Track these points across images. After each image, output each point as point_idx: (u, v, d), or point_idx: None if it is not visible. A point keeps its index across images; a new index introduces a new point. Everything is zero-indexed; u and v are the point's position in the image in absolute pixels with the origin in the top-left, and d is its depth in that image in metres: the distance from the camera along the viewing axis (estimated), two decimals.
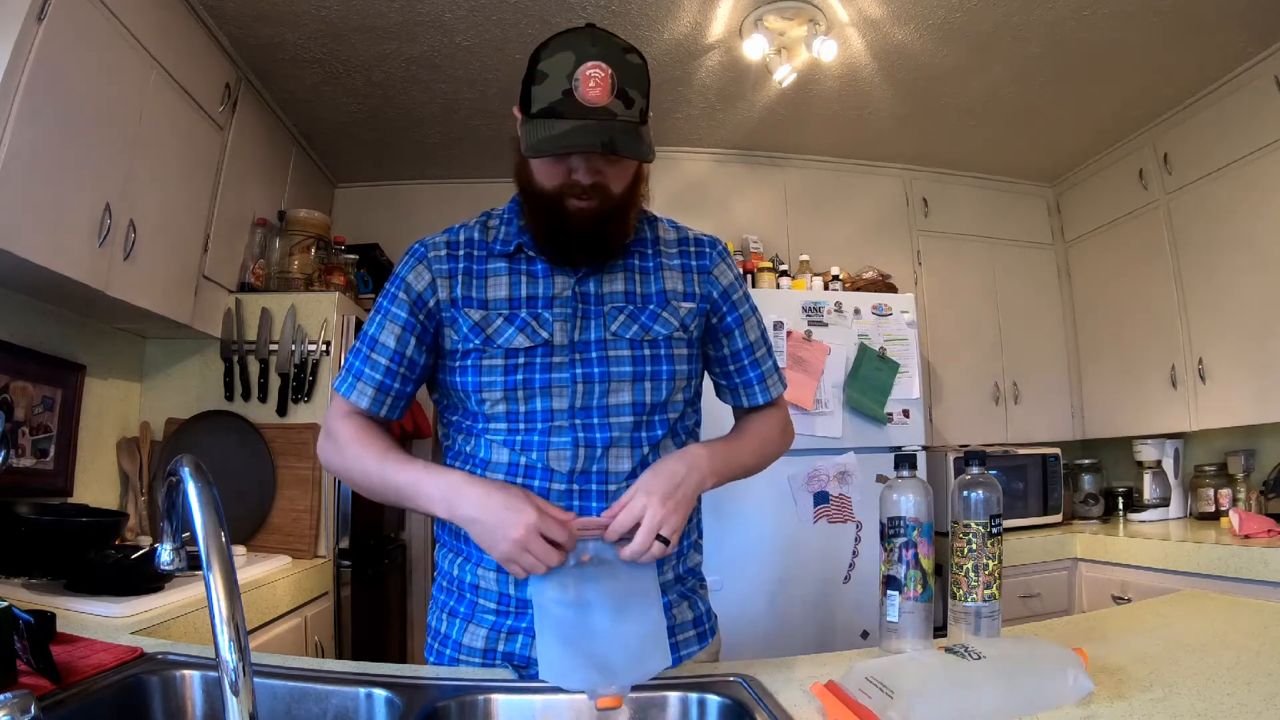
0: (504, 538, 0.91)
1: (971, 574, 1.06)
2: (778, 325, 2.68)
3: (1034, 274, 3.63)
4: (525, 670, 1.03)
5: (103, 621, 1.34)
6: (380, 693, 0.95)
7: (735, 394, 1.21)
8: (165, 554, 0.87)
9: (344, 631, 2.40)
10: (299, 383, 2.43)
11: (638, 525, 0.94)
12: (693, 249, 1.14)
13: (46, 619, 1.07)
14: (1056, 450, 3.21)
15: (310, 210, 2.81)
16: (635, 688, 0.94)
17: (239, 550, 2.18)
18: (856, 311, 2.79)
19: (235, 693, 0.64)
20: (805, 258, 3.15)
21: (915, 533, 1.06)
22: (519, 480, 1.03)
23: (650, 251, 1.12)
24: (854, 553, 2.63)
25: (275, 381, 2.43)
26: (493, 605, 1.06)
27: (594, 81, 0.91)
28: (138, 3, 1.87)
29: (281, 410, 2.42)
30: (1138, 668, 0.98)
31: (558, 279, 1.06)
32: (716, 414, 1.29)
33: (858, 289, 2.98)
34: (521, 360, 1.03)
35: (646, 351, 1.06)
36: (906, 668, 0.88)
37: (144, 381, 2.43)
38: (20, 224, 1.51)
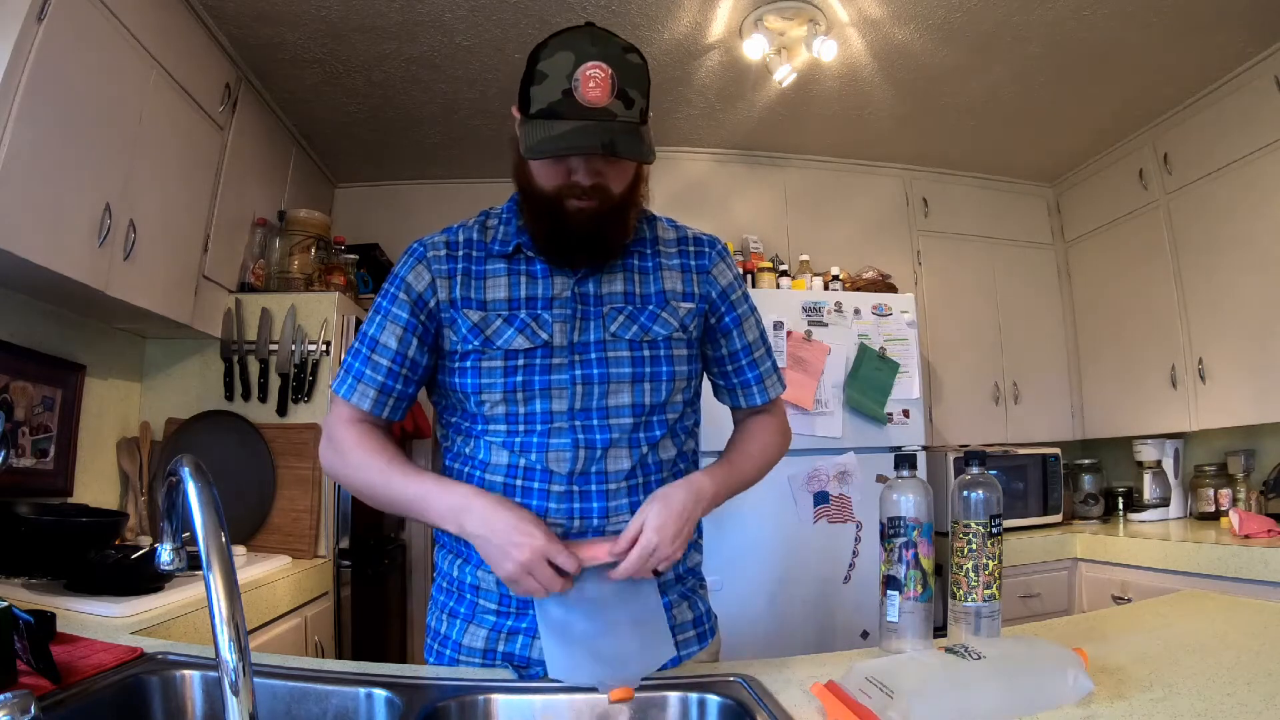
0: (509, 558, 0.92)
1: (971, 574, 1.06)
2: (778, 325, 2.68)
3: (1034, 274, 3.63)
4: (525, 670, 1.03)
5: (103, 621, 1.34)
6: (380, 693, 0.95)
7: (733, 394, 1.21)
8: (165, 554, 0.87)
9: (344, 631, 2.40)
10: (299, 383, 2.43)
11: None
12: (692, 248, 1.14)
13: (46, 619, 1.07)
14: (1056, 450, 3.21)
15: (310, 210, 2.81)
16: (637, 687, 0.95)
17: (239, 550, 2.18)
18: (856, 311, 2.79)
19: (235, 693, 0.64)
20: (805, 258, 3.15)
21: (915, 533, 1.06)
22: (518, 482, 1.03)
23: (649, 251, 1.11)
24: (854, 553, 2.63)
25: (275, 381, 2.43)
26: (493, 606, 1.06)
27: (594, 82, 0.91)
28: (138, 3, 1.87)
29: (281, 410, 2.42)
30: (1138, 668, 0.98)
31: (557, 279, 1.05)
32: (716, 414, 1.29)
33: (858, 289, 2.98)
34: (521, 362, 1.02)
35: (646, 352, 1.06)
36: (906, 668, 0.88)
37: (144, 381, 2.43)
38: (20, 224, 1.51)
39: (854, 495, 2.65)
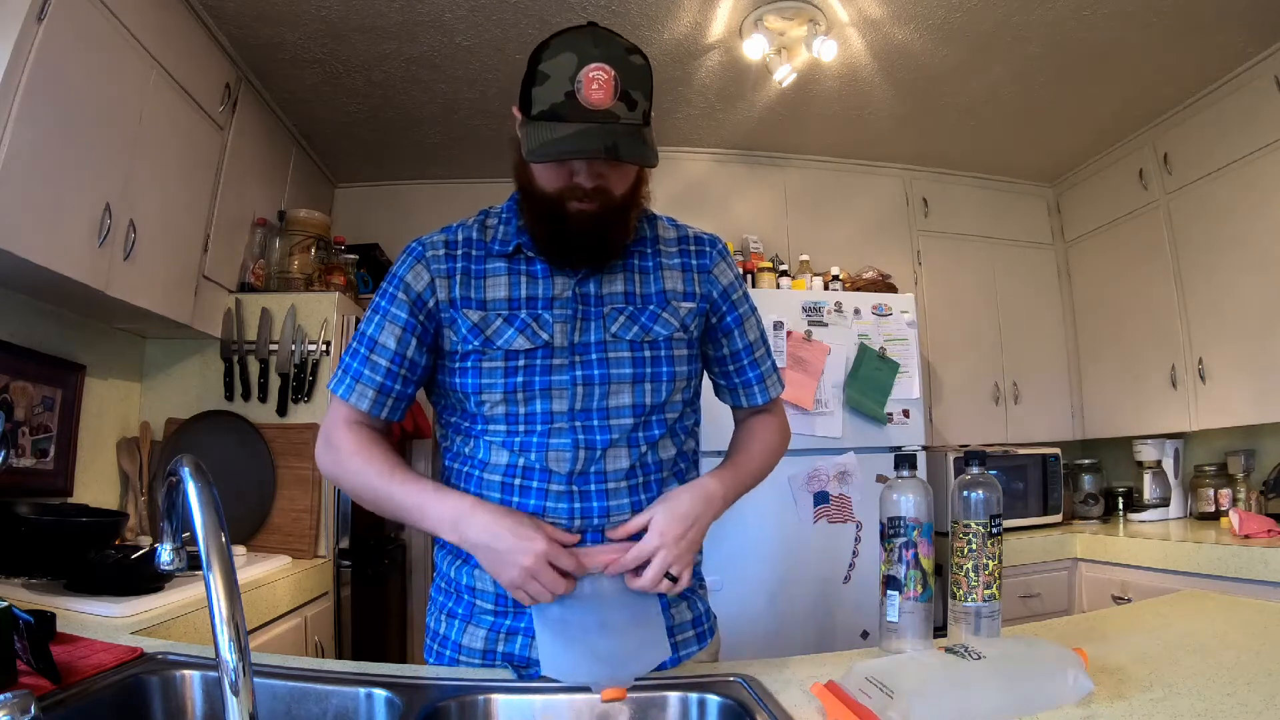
0: (512, 564, 0.92)
1: (971, 574, 1.06)
2: (778, 325, 2.68)
3: (1034, 274, 3.63)
4: (525, 670, 1.03)
5: (103, 621, 1.34)
6: (380, 693, 0.95)
7: (734, 394, 1.21)
8: (165, 554, 0.87)
9: (344, 631, 2.40)
10: (299, 383, 2.43)
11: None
12: (693, 248, 1.14)
13: (46, 619, 1.07)
14: (1056, 450, 3.21)
15: (310, 210, 2.81)
16: (635, 687, 0.95)
17: (239, 550, 2.18)
18: (856, 311, 2.79)
19: (235, 693, 0.64)
20: (805, 258, 3.15)
21: (915, 533, 1.06)
22: (518, 481, 1.03)
23: (650, 251, 1.11)
24: (854, 553, 2.63)
25: (275, 381, 2.43)
26: (490, 606, 1.06)
27: (597, 84, 0.90)
28: (138, 3, 1.87)
29: (281, 410, 2.42)
30: (1138, 668, 0.98)
31: (557, 280, 1.05)
32: (716, 414, 1.29)
33: (858, 289, 2.98)
34: (521, 362, 1.02)
35: (647, 353, 1.05)
36: (906, 668, 0.88)
37: (144, 381, 2.43)
38: (20, 224, 1.51)
39: (854, 495, 2.65)
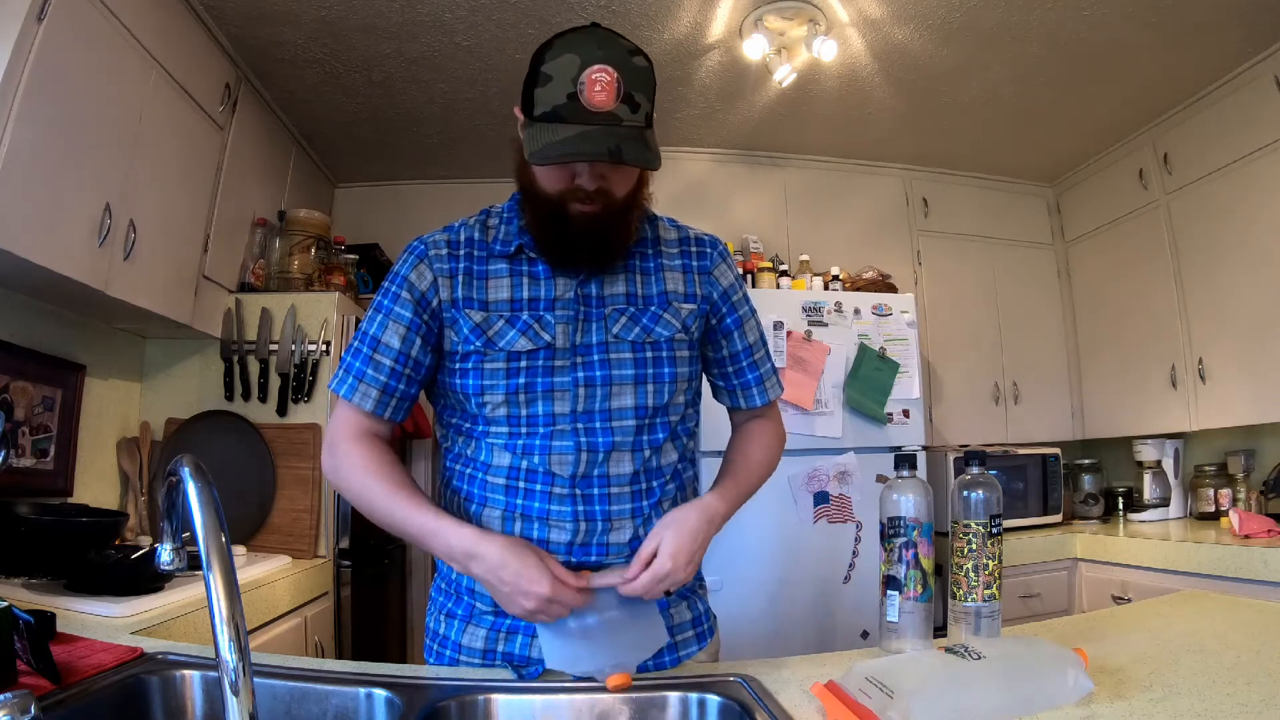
0: (516, 605, 0.93)
1: (971, 574, 1.06)
2: (778, 325, 2.68)
3: (1034, 274, 3.62)
4: (525, 670, 1.03)
5: (103, 621, 1.34)
6: (380, 693, 0.95)
7: (733, 395, 1.20)
8: (165, 554, 0.87)
9: (344, 631, 2.40)
10: (299, 383, 2.43)
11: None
12: (693, 249, 1.14)
13: (46, 619, 1.07)
14: (1056, 450, 3.21)
15: (310, 210, 2.81)
16: (635, 687, 0.95)
17: (239, 550, 2.18)
18: (856, 311, 2.79)
19: (235, 693, 0.64)
20: (805, 258, 3.15)
21: (915, 533, 1.06)
22: (520, 484, 1.02)
23: (651, 252, 1.11)
24: (854, 553, 2.63)
25: (275, 381, 2.43)
26: (489, 607, 1.06)
27: (600, 86, 0.89)
28: (138, 3, 1.87)
29: (281, 410, 2.42)
30: (1138, 668, 0.98)
31: (559, 281, 1.05)
32: (716, 414, 1.29)
33: (858, 289, 2.98)
34: (523, 363, 1.02)
35: (649, 354, 1.05)
36: (906, 668, 0.88)
37: (144, 381, 2.43)
38: (20, 224, 1.51)
39: (854, 495, 2.65)
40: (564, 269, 1.04)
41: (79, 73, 1.67)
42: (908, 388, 2.79)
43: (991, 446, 3.26)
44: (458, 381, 1.04)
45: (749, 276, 3.02)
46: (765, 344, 1.21)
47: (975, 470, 1.09)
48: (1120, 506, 3.26)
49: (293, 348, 2.44)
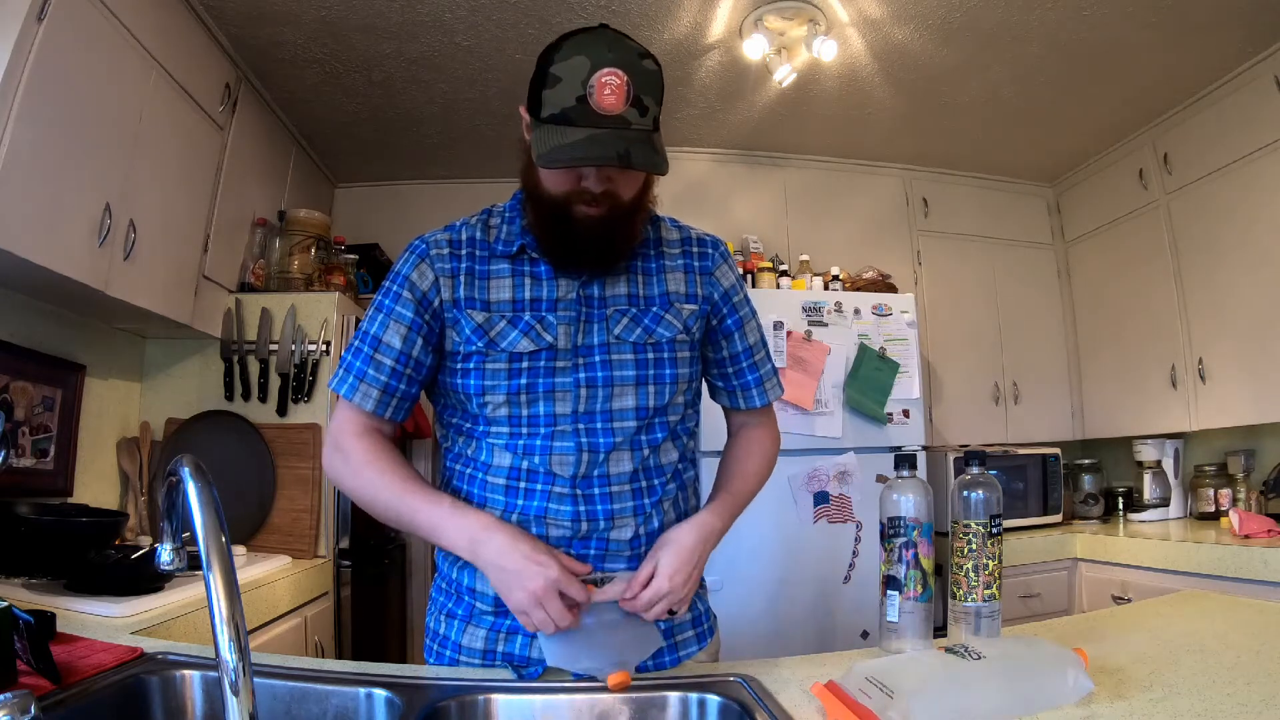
0: (521, 587, 0.92)
1: (971, 574, 1.06)
2: (778, 325, 2.68)
3: (1034, 274, 3.62)
4: (524, 670, 1.03)
5: (103, 621, 1.34)
6: (380, 693, 0.95)
7: (732, 396, 1.20)
8: (165, 554, 0.87)
9: (344, 631, 2.40)
10: (299, 383, 2.43)
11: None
12: (695, 249, 1.14)
13: (46, 619, 1.07)
14: (1056, 450, 3.21)
15: (310, 210, 2.81)
16: (636, 687, 0.95)
17: (239, 550, 2.18)
18: (856, 311, 2.79)
19: (235, 693, 0.64)
20: (805, 258, 3.15)
21: (915, 533, 1.06)
22: (521, 484, 1.02)
23: (653, 253, 1.11)
24: (854, 553, 2.63)
25: (275, 381, 2.43)
26: (489, 607, 1.05)
27: (609, 89, 0.89)
28: (138, 3, 1.87)
29: (281, 410, 2.42)
30: (1138, 668, 0.98)
31: (561, 281, 1.05)
32: (717, 414, 1.29)
33: (858, 289, 2.98)
34: (525, 364, 1.02)
35: (650, 355, 1.05)
36: (906, 668, 0.88)
37: (144, 381, 2.43)
38: (20, 224, 1.51)
39: (854, 495, 2.65)
40: (567, 270, 1.04)
41: (79, 73, 1.67)
42: (908, 388, 2.79)
43: (991, 446, 3.26)
44: (459, 382, 1.04)
45: (749, 276, 3.01)
46: (765, 345, 1.21)
47: (975, 470, 1.09)
48: (1120, 506, 3.26)
49: (293, 348, 2.44)
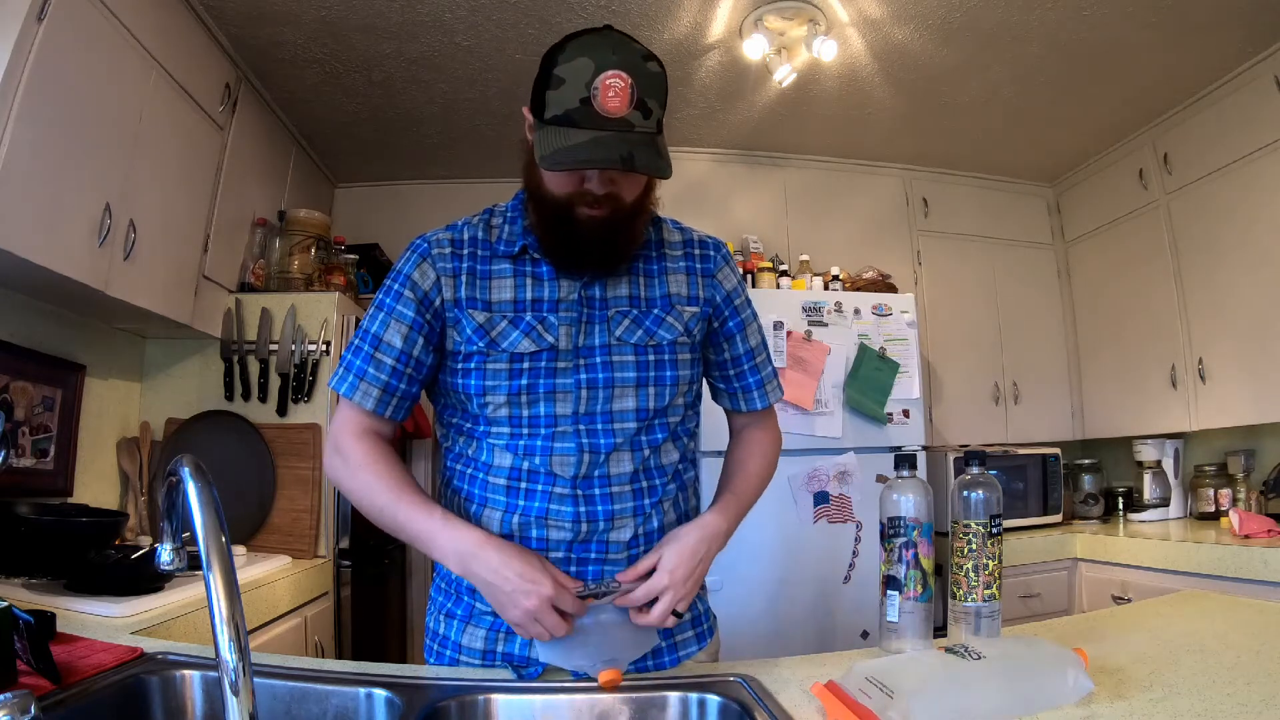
0: (515, 605, 0.92)
1: (971, 574, 1.06)
2: (778, 325, 2.68)
3: (1034, 274, 3.62)
4: (524, 670, 1.03)
5: (103, 621, 1.34)
6: (380, 693, 0.95)
7: (733, 398, 1.20)
8: (165, 554, 0.87)
9: (344, 631, 2.40)
10: (299, 383, 2.43)
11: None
12: (697, 251, 1.14)
13: (46, 619, 1.07)
14: (1056, 450, 3.21)
15: (310, 210, 2.81)
16: (636, 687, 0.95)
17: (239, 550, 2.18)
18: (856, 311, 2.79)
19: (235, 693, 0.64)
20: (805, 258, 3.15)
21: (915, 533, 1.06)
22: (522, 484, 1.02)
23: (655, 254, 1.11)
24: (854, 553, 2.63)
25: (275, 381, 2.43)
26: (488, 608, 1.05)
27: (614, 91, 0.89)
28: (138, 3, 1.87)
29: (281, 410, 2.42)
30: (1138, 668, 0.98)
31: (563, 282, 1.05)
32: (717, 414, 1.29)
33: (858, 289, 2.98)
34: (526, 365, 1.02)
35: (651, 357, 1.05)
36: (906, 668, 0.88)
37: (144, 381, 2.43)
38: (20, 224, 1.51)
39: (854, 495, 2.65)
40: (569, 271, 1.04)
41: (79, 73, 1.67)
42: (908, 388, 2.79)
43: (991, 446, 3.26)
44: (459, 382, 1.04)
45: (749, 276, 3.01)
46: (766, 347, 1.21)
47: (975, 470, 1.09)
48: (1120, 506, 3.26)
49: (293, 348, 2.44)
